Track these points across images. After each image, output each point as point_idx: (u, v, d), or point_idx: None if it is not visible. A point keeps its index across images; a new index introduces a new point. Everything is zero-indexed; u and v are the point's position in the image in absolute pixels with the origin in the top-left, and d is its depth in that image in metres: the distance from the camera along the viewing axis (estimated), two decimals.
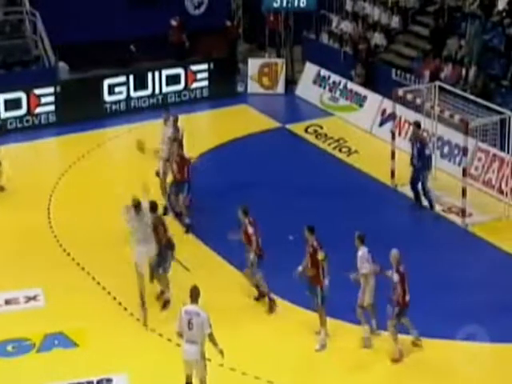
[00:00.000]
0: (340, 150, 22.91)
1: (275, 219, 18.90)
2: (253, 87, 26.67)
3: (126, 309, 16.30)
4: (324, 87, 25.64)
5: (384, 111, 23.47)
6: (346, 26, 27.12)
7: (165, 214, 18.55)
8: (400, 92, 20.97)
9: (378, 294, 15.01)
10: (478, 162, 20.70)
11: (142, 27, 26.94)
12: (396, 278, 14.56)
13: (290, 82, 26.81)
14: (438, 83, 21.25)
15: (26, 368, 14.83)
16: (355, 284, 15.00)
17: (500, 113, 19.67)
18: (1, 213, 19.91)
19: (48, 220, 19.52)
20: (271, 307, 16.21)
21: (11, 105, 23.91)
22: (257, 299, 16.52)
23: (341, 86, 25.21)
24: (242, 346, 15.19)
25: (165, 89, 25.69)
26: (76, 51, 25.59)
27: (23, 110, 24.17)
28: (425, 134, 20.81)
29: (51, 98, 24.43)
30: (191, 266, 17.33)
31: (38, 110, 24.35)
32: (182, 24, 27.42)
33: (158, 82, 25.58)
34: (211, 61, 26.31)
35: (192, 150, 22.56)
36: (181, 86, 25.89)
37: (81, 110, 24.29)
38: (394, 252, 14.72)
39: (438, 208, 19.91)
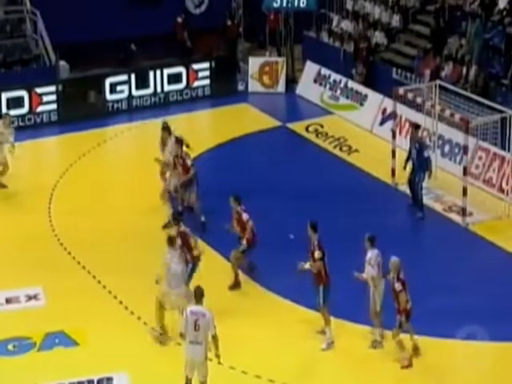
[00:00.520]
0: (340, 149, 22.91)
1: (275, 218, 18.93)
2: (253, 86, 26.68)
3: (126, 308, 16.32)
4: (324, 86, 25.64)
5: (384, 110, 23.47)
6: (347, 25, 27.12)
7: (181, 214, 18.03)
8: (400, 91, 20.97)
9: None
10: (479, 161, 20.70)
11: (142, 26, 26.96)
12: (398, 286, 14.36)
13: (291, 81, 26.81)
14: (438, 82, 21.24)
15: (27, 367, 14.83)
16: (359, 283, 14.90)
17: (500, 111, 19.67)
18: (2, 211, 19.93)
19: (49, 219, 19.52)
20: (236, 285, 16.59)
21: (13, 103, 23.94)
22: (231, 288, 16.63)
23: (341, 85, 25.21)
24: (242, 344, 15.21)
25: (166, 87, 25.71)
26: (76, 50, 25.61)
27: (25, 109, 24.20)
28: (424, 136, 20.83)
29: (53, 97, 24.46)
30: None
31: (40, 108, 24.38)
32: (184, 22, 27.46)
33: (160, 80, 25.60)
34: (212, 59, 26.32)
35: (193, 148, 22.66)
36: (182, 85, 25.91)
37: (83, 109, 24.30)
38: (394, 260, 14.52)
39: (438, 207, 19.91)
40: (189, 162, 18.73)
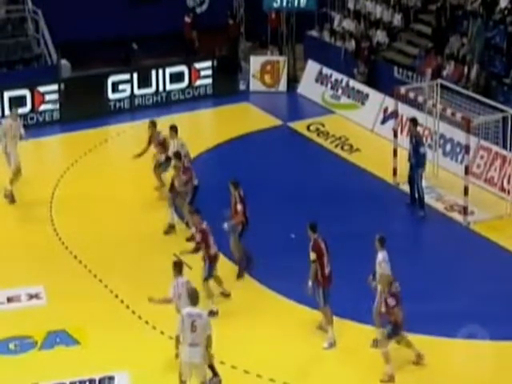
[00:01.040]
0: (342, 148, 22.91)
1: (277, 217, 18.93)
2: (255, 85, 26.68)
3: (128, 307, 16.32)
4: (326, 85, 25.64)
5: (386, 109, 23.46)
6: (348, 24, 27.12)
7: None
8: (402, 90, 20.97)
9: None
10: (480, 160, 20.69)
11: (143, 25, 26.97)
12: (391, 301, 14.05)
13: (292, 80, 26.81)
14: (439, 81, 21.24)
15: (28, 366, 14.83)
16: (362, 282, 14.87)
17: (502, 111, 19.65)
18: (3, 210, 19.93)
19: (50, 217, 19.53)
20: (240, 274, 16.85)
21: (16, 102, 23.96)
22: (238, 277, 16.90)
23: (343, 84, 25.20)
24: (244, 344, 15.22)
25: (168, 86, 25.73)
26: (78, 49, 25.63)
27: (28, 108, 24.21)
28: (421, 131, 20.85)
29: (55, 96, 24.48)
30: (193, 265, 17.34)
31: (43, 107, 24.41)
32: (193, 21, 27.48)
33: (162, 79, 25.61)
34: (215, 58, 26.34)
35: (194, 147, 22.66)
36: (184, 84, 25.92)
37: (85, 108, 24.32)
38: (385, 275, 14.33)
39: (439, 206, 19.91)
40: (188, 165, 18.72)
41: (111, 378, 14.41)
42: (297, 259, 15.41)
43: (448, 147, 21.61)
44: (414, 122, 19.89)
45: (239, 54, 27.70)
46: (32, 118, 24.31)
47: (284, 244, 17.47)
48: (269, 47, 27.88)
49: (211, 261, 16.04)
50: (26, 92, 24.15)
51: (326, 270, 14.94)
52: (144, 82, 25.40)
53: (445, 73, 23.37)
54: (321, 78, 25.90)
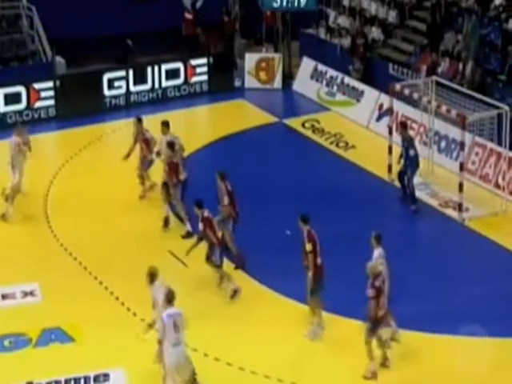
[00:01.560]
0: (337, 145, 22.92)
1: (272, 214, 18.95)
2: (250, 82, 26.67)
3: (123, 303, 16.33)
4: (321, 82, 25.64)
5: (381, 106, 23.48)
6: (344, 21, 27.12)
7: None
8: (397, 87, 20.98)
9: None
10: (475, 157, 20.72)
11: (139, 22, 26.94)
12: (372, 293, 14.03)
13: (287, 77, 26.81)
14: (434, 78, 21.25)
15: (23, 363, 14.84)
16: (358, 279, 14.85)
17: (497, 107, 19.67)
18: None
19: (45, 214, 19.52)
20: (239, 266, 16.98)
21: (11, 99, 23.93)
22: (235, 268, 17.00)
23: (338, 81, 25.21)
24: (239, 341, 15.24)
25: (164, 83, 25.71)
26: (73, 46, 25.59)
27: (23, 105, 24.20)
28: (415, 129, 20.89)
29: (51, 93, 24.45)
30: (189, 261, 17.38)
31: (38, 104, 24.39)
32: (196, 17, 27.45)
33: (158, 76, 25.60)
34: (210, 55, 26.32)
35: (190, 144, 22.66)
36: (180, 81, 25.91)
37: (80, 105, 24.31)
38: (371, 264, 14.34)
39: (434, 202, 19.94)
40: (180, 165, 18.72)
41: (106, 376, 14.42)
42: (292, 256, 15.44)
43: (443, 144, 21.64)
44: (404, 125, 19.98)
45: (234, 50, 27.68)
46: (27, 115, 24.29)
47: (279, 241, 17.48)
48: (264, 44, 27.87)
49: (220, 244, 16.34)
50: (21, 89, 24.13)
51: (318, 260, 15.06)
52: (140, 78, 25.39)
53: (440, 70, 23.37)
54: (316, 75, 25.90)
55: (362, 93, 24.45)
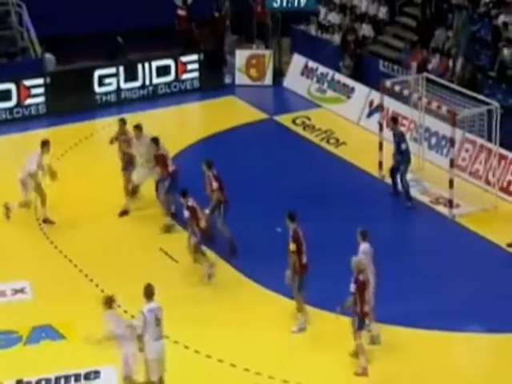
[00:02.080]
0: (328, 142, 22.93)
1: (262, 211, 18.94)
2: (240, 79, 26.64)
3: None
4: (312, 79, 25.63)
5: (372, 102, 23.49)
6: (334, 18, 27.11)
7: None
8: (387, 83, 20.99)
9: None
10: (466, 153, 20.74)
11: (130, 18, 26.86)
12: (352, 288, 14.09)
13: (278, 74, 26.78)
14: (425, 74, 21.27)
15: (14, 360, 14.82)
16: (348, 276, 14.87)
17: (487, 104, 19.70)
18: None
19: (35, 211, 19.46)
20: (233, 252, 17.32)
21: (1, 96, 23.86)
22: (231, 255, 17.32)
23: (328, 78, 25.20)
24: (230, 338, 15.25)
25: (155, 80, 25.67)
26: (63, 43, 25.53)
27: (13, 102, 24.12)
28: (406, 125, 20.90)
29: (41, 90, 24.39)
30: (178, 258, 17.40)
31: (28, 101, 24.32)
32: (189, 13, 27.40)
33: (149, 73, 25.55)
34: (201, 52, 26.29)
35: (181, 141, 22.67)
36: (171, 78, 25.87)
37: (71, 102, 24.26)
38: (356, 259, 14.42)
39: (425, 199, 19.96)
40: (169, 161, 18.69)
41: (97, 373, 14.42)
42: (282, 253, 15.42)
43: (433, 140, 21.66)
44: (394, 120, 20.00)
45: (225, 47, 27.64)
46: (18, 112, 24.23)
47: (270, 238, 17.48)
48: (254, 41, 27.84)
49: (202, 232, 16.73)
50: (11, 86, 24.06)
51: (304, 259, 15.10)
52: (130, 75, 25.34)
53: (430, 66, 23.39)
54: (306, 72, 25.89)
55: (353, 89, 24.45)
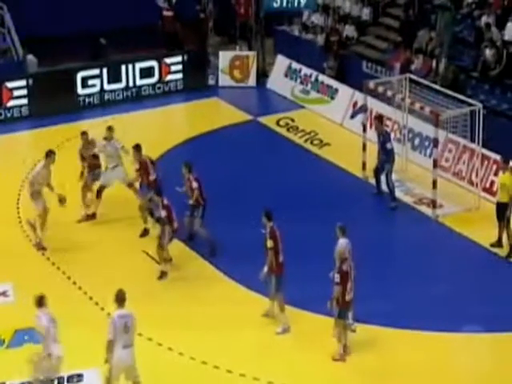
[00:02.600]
0: (312, 143, 22.94)
1: (246, 212, 18.89)
2: (224, 80, 26.63)
3: (97, 303, 16.28)
4: (295, 80, 25.65)
5: (355, 104, 23.51)
6: (317, 19, 27.15)
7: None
8: (371, 84, 21.02)
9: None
10: (449, 154, 20.80)
11: (112, 20, 26.78)
12: (337, 278, 14.22)
13: (262, 75, 26.78)
14: (408, 75, 21.31)
15: None
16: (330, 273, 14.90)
17: (470, 104, 19.75)
18: None
19: (17, 214, 19.39)
20: (213, 252, 17.50)
21: None
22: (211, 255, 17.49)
23: (312, 79, 25.22)
24: (212, 339, 15.24)
25: (139, 81, 25.63)
26: (45, 44, 25.43)
27: None
28: (389, 125, 20.94)
29: (24, 91, 24.31)
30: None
31: (11, 103, 24.23)
32: (175, 14, 27.37)
33: (132, 74, 25.50)
34: (185, 53, 26.26)
35: (164, 143, 22.63)
36: (155, 79, 25.83)
37: (54, 103, 24.18)
38: (340, 249, 14.54)
39: (409, 199, 20.00)
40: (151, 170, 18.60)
41: (80, 376, 14.37)
42: (264, 253, 15.42)
43: (417, 141, 21.70)
44: (379, 119, 20.05)
45: (208, 48, 27.61)
46: (0, 114, 24.13)
47: (253, 239, 17.42)
48: (238, 42, 27.83)
49: (174, 231, 17.08)
50: None
51: (280, 258, 15.15)
52: (114, 77, 25.29)
53: (413, 67, 23.45)
54: (290, 73, 25.90)
55: (337, 90, 24.48)
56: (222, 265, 17.34)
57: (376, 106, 21.94)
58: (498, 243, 17.92)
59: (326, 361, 14.65)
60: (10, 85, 24.17)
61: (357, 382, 14.47)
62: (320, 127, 23.65)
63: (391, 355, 14.83)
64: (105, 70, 25.23)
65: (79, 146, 19.67)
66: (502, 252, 17.82)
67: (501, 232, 17.85)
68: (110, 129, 19.29)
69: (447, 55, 23.11)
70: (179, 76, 26.03)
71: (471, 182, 20.04)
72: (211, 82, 26.57)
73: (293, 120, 24.17)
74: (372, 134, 21.04)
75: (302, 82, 25.44)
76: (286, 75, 26.00)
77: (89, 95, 25.11)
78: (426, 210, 19.46)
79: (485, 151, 19.88)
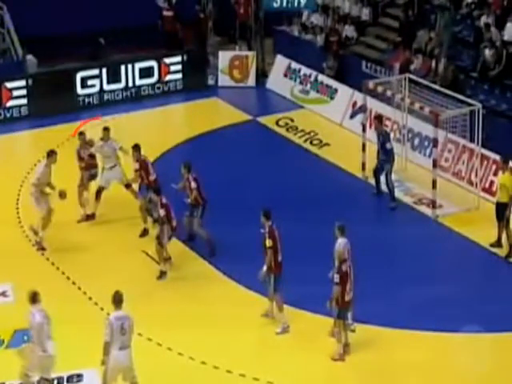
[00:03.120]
0: (311, 143, 22.94)
1: (245, 212, 18.88)
2: (223, 80, 26.63)
3: (96, 303, 16.27)
4: (295, 80, 25.65)
5: (355, 103, 23.52)
6: (317, 19, 27.16)
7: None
8: (370, 84, 21.02)
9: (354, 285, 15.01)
10: (448, 154, 20.81)
11: (111, 19, 26.80)
12: (336, 278, 14.26)
13: (261, 75, 26.79)
14: (408, 75, 21.32)
15: None
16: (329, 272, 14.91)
17: (469, 104, 19.76)
18: None
19: (17, 214, 19.39)
20: (212, 252, 17.50)
21: None
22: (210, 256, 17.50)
23: (311, 79, 25.23)
24: (211, 339, 15.24)
25: (138, 81, 25.63)
26: (44, 44, 25.44)
27: None
28: (389, 126, 20.95)
29: (23, 91, 24.30)
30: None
31: (10, 103, 24.22)
32: (175, 14, 27.36)
33: (132, 74, 25.50)
34: (184, 53, 26.26)
35: (163, 143, 22.64)
36: (154, 79, 25.83)
37: (53, 103, 24.17)
38: (339, 249, 14.55)
39: (408, 200, 20.00)
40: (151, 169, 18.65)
41: (80, 376, 14.36)
42: (262, 252, 15.44)
43: (416, 141, 21.71)
44: (379, 119, 20.06)
45: (208, 48, 27.62)
46: (0, 114, 24.13)
47: (253, 239, 17.44)
48: (237, 42, 27.83)
49: (173, 230, 17.09)
50: None
51: (279, 258, 15.17)
52: (113, 77, 25.29)
53: (413, 67, 23.46)
54: (289, 73, 25.90)
55: (336, 90, 24.48)
56: (222, 265, 17.35)
57: (375, 105, 21.96)
58: (498, 243, 17.93)
59: (326, 361, 14.66)
60: (9, 85, 24.18)
61: (356, 381, 14.49)
62: (319, 127, 23.66)
63: (390, 355, 14.85)
64: (104, 70, 25.23)
65: (77, 146, 19.61)
66: (502, 252, 17.83)
67: (500, 232, 17.86)
68: (106, 129, 19.29)
69: (447, 55, 23.12)
70: (179, 76, 26.03)
71: (471, 182, 20.05)
72: (211, 82, 26.58)
73: (292, 120, 24.17)
74: (371, 134, 21.05)
75: (301, 82, 25.45)
76: (285, 75, 26.00)
77: (88, 95, 25.11)
78: (426, 210, 19.47)
79: (484, 151, 19.89)
